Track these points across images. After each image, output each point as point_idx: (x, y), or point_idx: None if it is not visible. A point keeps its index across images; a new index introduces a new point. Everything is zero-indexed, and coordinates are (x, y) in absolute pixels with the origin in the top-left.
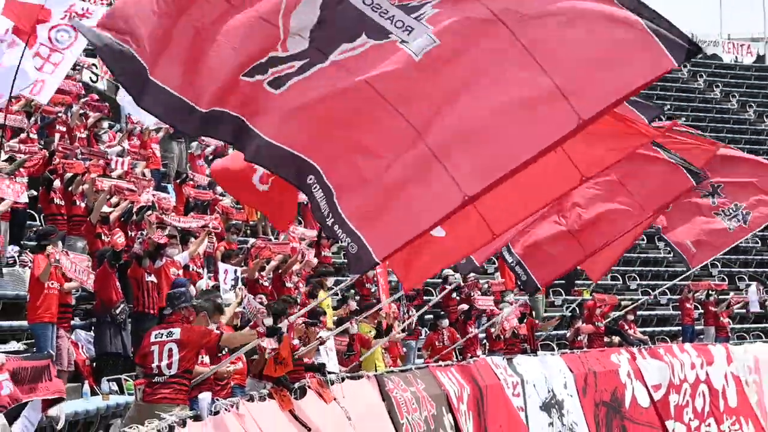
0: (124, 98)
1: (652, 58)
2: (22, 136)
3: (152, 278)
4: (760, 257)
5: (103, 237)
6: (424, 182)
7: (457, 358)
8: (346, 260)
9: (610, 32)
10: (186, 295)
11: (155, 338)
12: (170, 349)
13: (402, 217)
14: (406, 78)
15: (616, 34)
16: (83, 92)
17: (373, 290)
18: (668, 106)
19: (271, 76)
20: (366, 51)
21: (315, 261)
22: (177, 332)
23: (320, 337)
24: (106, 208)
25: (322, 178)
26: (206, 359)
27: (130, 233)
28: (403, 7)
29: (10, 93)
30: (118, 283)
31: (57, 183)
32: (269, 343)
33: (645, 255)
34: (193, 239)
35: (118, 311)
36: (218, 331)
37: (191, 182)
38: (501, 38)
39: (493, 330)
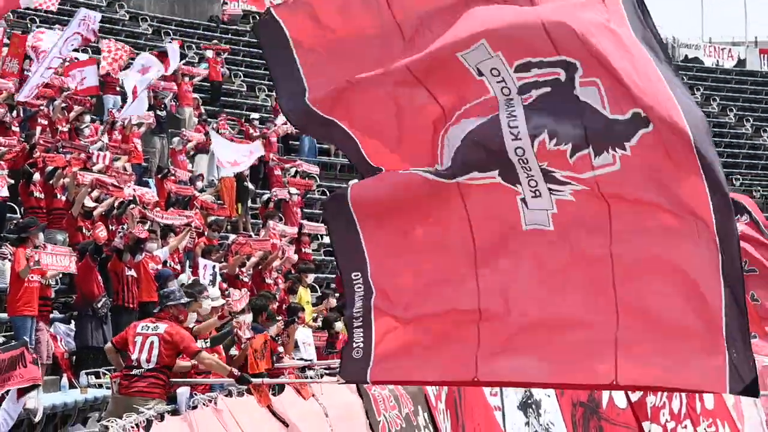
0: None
1: (709, 373)
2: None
3: (132, 272)
4: None
5: (84, 231)
6: (453, 340)
7: None
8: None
9: (692, 317)
10: (175, 294)
11: (141, 329)
12: (152, 342)
13: (414, 357)
14: (501, 234)
15: (697, 324)
16: (66, 86)
17: None
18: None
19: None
20: (487, 186)
21: (295, 257)
22: (163, 328)
23: None
24: (89, 203)
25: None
26: None
27: (110, 227)
28: (545, 171)
29: None
30: (99, 277)
31: (37, 176)
32: (245, 327)
33: None
34: (172, 234)
35: (99, 305)
36: (200, 347)
37: (172, 177)
38: (601, 267)
39: None
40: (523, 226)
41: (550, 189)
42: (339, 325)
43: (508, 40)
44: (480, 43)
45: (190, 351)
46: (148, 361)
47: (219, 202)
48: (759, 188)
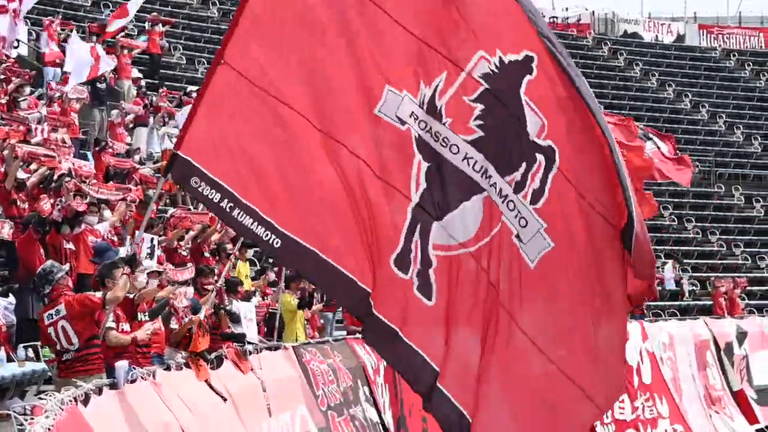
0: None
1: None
2: None
3: (70, 245)
4: (676, 235)
5: (18, 203)
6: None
7: None
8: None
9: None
10: (55, 268)
11: (48, 320)
12: (63, 327)
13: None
14: (522, 286)
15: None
16: (4, 57)
17: None
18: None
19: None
20: (493, 243)
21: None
22: (62, 308)
23: None
24: (22, 175)
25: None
26: (126, 327)
27: (49, 200)
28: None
29: None
30: (42, 250)
31: None
32: (182, 296)
33: None
34: (104, 206)
35: (34, 280)
36: (99, 294)
37: (110, 150)
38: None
39: None
40: (531, 266)
41: (529, 208)
42: (255, 300)
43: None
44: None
45: (96, 307)
46: (69, 342)
47: (158, 174)
48: (698, 163)
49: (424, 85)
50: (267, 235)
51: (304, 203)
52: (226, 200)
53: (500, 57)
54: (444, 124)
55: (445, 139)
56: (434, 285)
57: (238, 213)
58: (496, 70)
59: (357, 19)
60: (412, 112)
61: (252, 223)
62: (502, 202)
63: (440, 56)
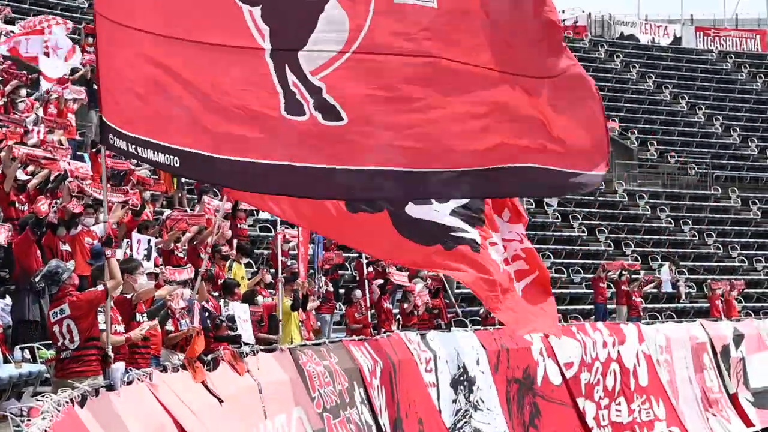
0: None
1: None
2: None
3: (66, 247)
4: (673, 237)
5: (17, 205)
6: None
7: (371, 333)
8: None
9: None
10: (61, 268)
11: (53, 318)
12: (68, 325)
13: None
14: (443, 29)
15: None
16: (1, 60)
17: (289, 263)
18: None
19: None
20: (375, 21)
21: (229, 233)
22: (66, 308)
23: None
24: (22, 176)
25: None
26: (120, 328)
27: (47, 201)
28: None
29: None
30: (39, 252)
31: None
32: (178, 298)
33: (559, 234)
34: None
35: (37, 279)
36: (101, 287)
37: (106, 151)
38: None
39: (406, 305)
40: (434, 5)
41: None
42: (260, 299)
43: None
44: None
45: (102, 298)
46: (71, 341)
47: (155, 177)
48: (694, 165)
49: None
50: (167, 159)
51: (192, 112)
52: (131, 144)
53: None
54: None
55: None
56: (337, 104)
57: (142, 150)
58: None
59: None
60: None
61: (154, 154)
62: None
63: None
